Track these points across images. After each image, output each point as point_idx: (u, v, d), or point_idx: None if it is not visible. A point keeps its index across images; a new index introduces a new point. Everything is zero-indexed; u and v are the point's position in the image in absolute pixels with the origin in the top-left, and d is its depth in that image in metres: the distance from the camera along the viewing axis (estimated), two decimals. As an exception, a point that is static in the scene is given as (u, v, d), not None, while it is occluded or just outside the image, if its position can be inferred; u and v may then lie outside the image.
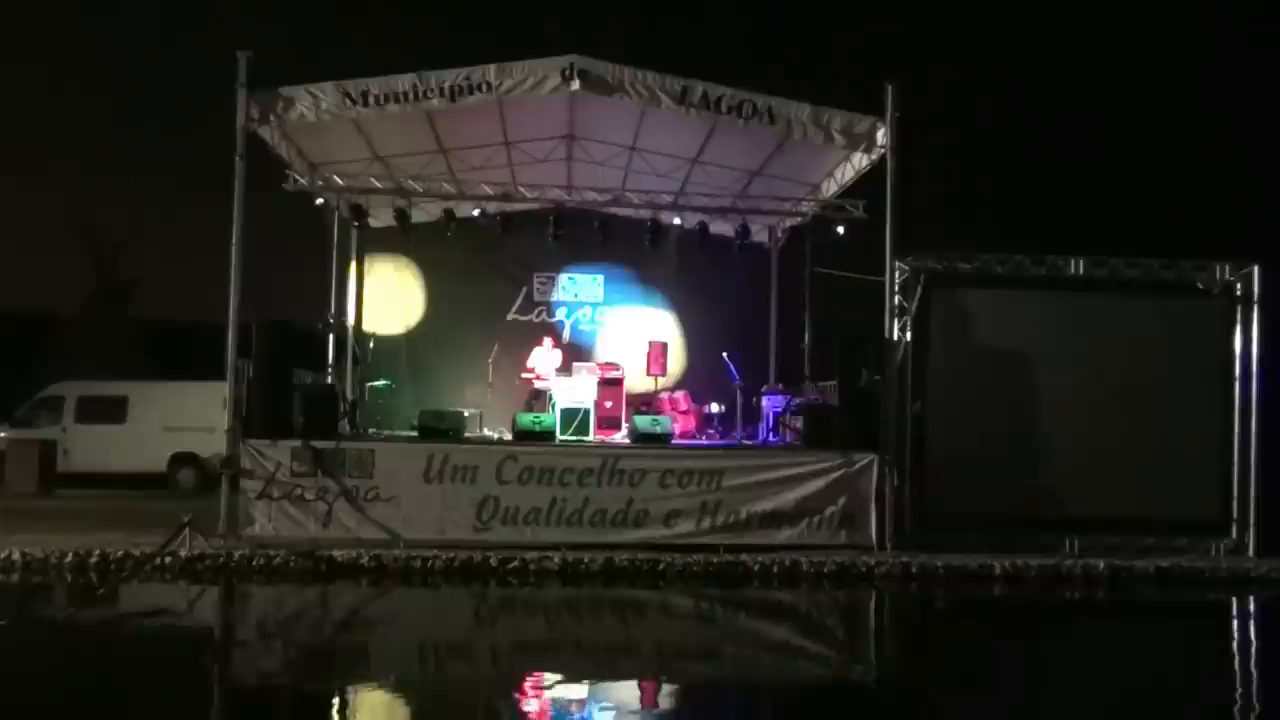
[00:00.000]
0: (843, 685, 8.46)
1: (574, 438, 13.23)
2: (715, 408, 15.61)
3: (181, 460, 17.72)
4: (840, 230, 14.22)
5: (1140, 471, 12.71)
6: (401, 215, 14.54)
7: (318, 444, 11.85)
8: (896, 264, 12.76)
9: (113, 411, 17.82)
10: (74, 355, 20.58)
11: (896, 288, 12.76)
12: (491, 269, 16.92)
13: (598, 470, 12.09)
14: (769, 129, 12.90)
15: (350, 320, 16.21)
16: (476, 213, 14.98)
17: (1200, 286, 13.05)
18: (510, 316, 17.22)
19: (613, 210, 15.17)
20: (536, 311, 17.37)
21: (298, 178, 13.78)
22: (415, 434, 13.01)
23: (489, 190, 14.47)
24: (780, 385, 16.34)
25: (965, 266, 12.92)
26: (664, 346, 16.27)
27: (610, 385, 14.78)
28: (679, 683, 8.31)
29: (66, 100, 44.73)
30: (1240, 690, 8.32)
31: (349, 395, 14.80)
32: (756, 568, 11.55)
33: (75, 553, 11.10)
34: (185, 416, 17.56)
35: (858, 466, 12.27)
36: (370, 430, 14.31)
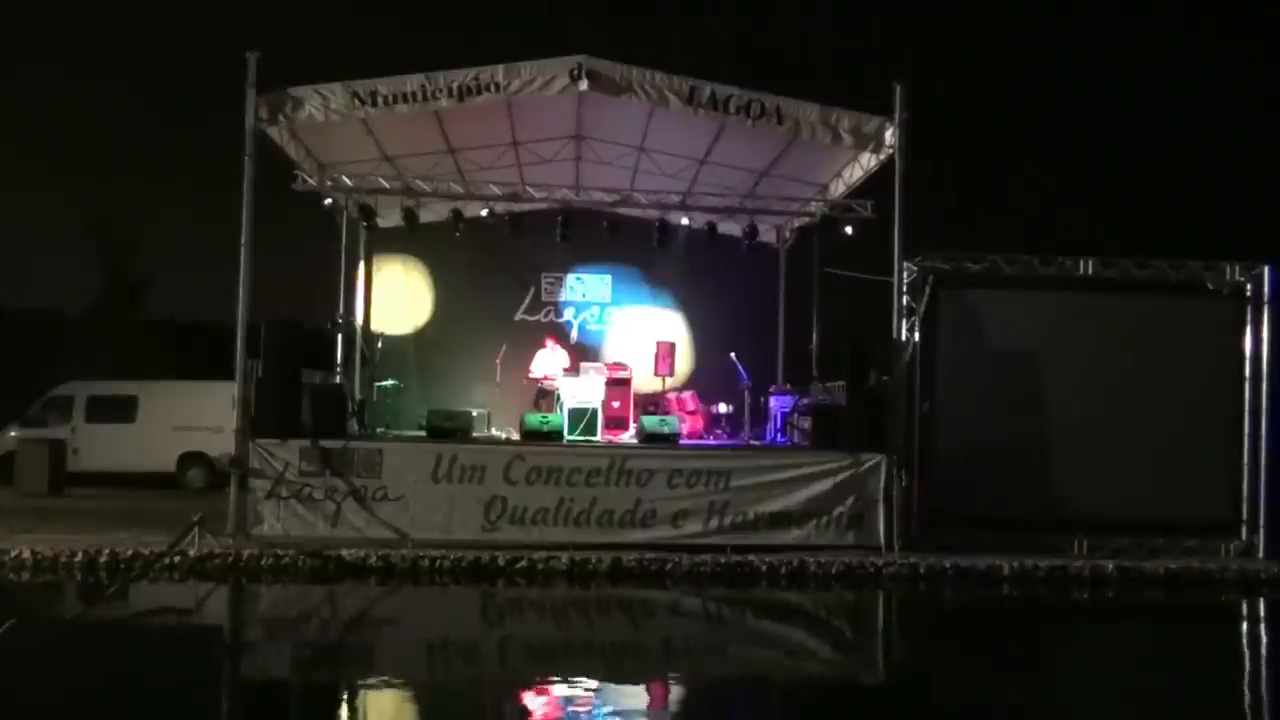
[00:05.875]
0: (850, 686, 8.45)
1: (581, 438, 13.25)
2: (723, 408, 15.60)
3: (191, 459, 17.82)
4: (848, 230, 14.20)
5: (1149, 472, 12.66)
6: (409, 215, 14.55)
7: (326, 443, 11.87)
8: (905, 264, 12.74)
9: (122, 411, 17.91)
10: (84, 355, 20.63)
11: (904, 288, 12.73)
12: (499, 269, 16.89)
13: (605, 470, 12.09)
14: (777, 129, 12.88)
15: (359, 320, 16.23)
16: (484, 213, 15.00)
17: (1210, 287, 13.00)
18: (518, 316, 17.21)
19: (620, 210, 15.17)
20: (544, 311, 17.35)
21: (307, 178, 13.82)
22: (423, 434, 13.03)
23: (497, 190, 14.49)
24: (788, 385, 16.32)
25: (973, 267, 12.89)
26: (671, 346, 16.26)
27: (618, 385, 14.77)
28: (686, 683, 8.30)
29: (78, 100, 44.93)
30: (1249, 693, 8.29)
31: (357, 395, 14.81)
32: (764, 568, 11.54)
33: (85, 552, 11.14)
34: (194, 416, 17.65)
35: (866, 467, 12.24)
36: (378, 430, 14.33)
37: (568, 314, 17.40)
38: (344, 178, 14.50)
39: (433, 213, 15.39)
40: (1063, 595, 11.57)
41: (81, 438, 17.66)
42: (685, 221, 15.39)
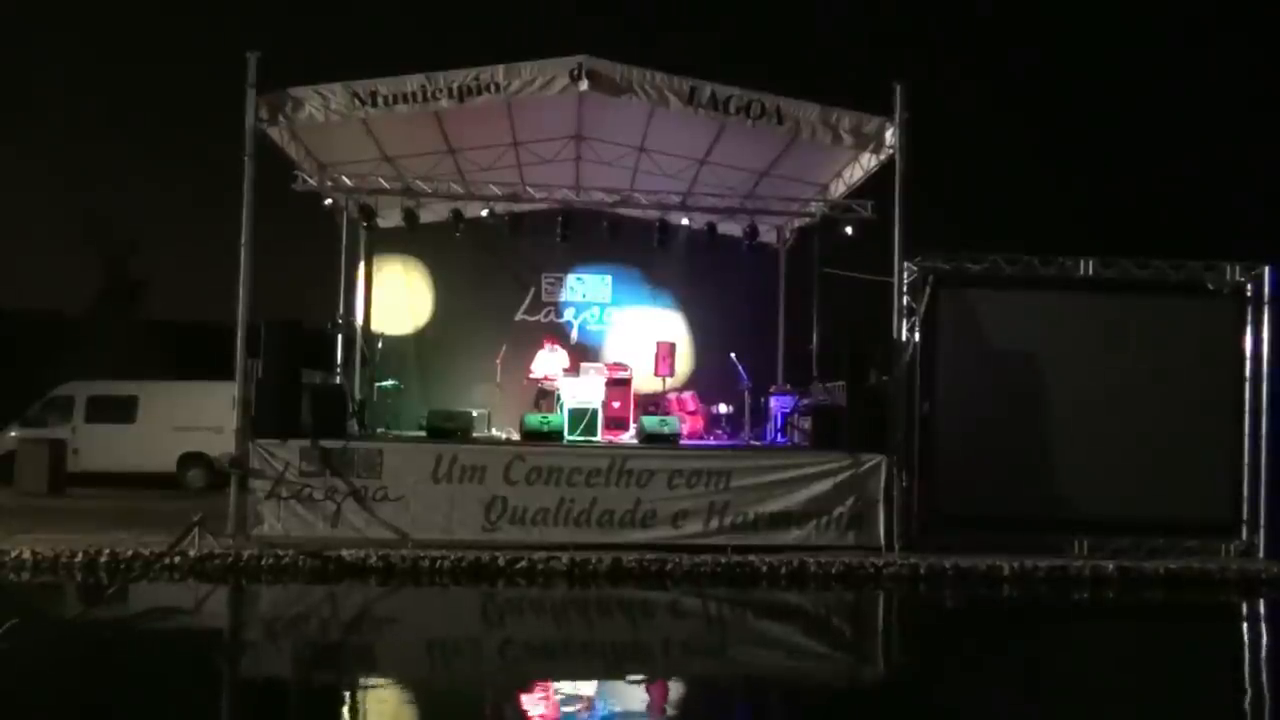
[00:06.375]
0: (850, 687, 8.45)
1: (582, 438, 13.24)
2: (723, 408, 15.60)
3: (191, 460, 17.82)
4: (848, 231, 14.19)
5: (1150, 472, 12.67)
6: (410, 215, 14.55)
7: (326, 444, 11.86)
8: (905, 264, 12.74)
9: (122, 411, 17.92)
10: (84, 355, 20.64)
11: (905, 288, 12.73)
12: (499, 269, 16.88)
13: (605, 470, 12.08)
14: (777, 129, 12.88)
15: (359, 320, 16.24)
16: (484, 213, 15.00)
17: (1210, 287, 13.00)
18: (518, 317, 17.20)
19: (621, 210, 15.16)
20: (544, 312, 17.35)
21: (307, 178, 13.81)
22: (423, 434, 13.03)
23: (497, 190, 14.48)
24: (788, 386, 16.32)
25: (974, 267, 12.89)
26: (671, 347, 16.26)
27: (618, 385, 14.77)
28: (687, 683, 8.31)
29: (78, 100, 44.91)
30: (1249, 693, 8.29)
31: (357, 395, 14.82)
32: (764, 569, 11.54)
33: (85, 552, 11.14)
34: (194, 416, 17.66)
35: (866, 467, 12.24)
36: (379, 430, 14.33)
37: (568, 314, 17.39)
38: (344, 178, 14.49)
39: (433, 213, 15.39)
40: (1063, 595, 11.57)
41: (81, 438, 17.66)
42: (685, 222, 15.38)
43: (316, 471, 11.80)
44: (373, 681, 8.17)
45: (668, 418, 13.49)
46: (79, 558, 11.09)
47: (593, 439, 13.34)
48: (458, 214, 15.03)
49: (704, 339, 17.33)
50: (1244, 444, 12.76)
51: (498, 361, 15.49)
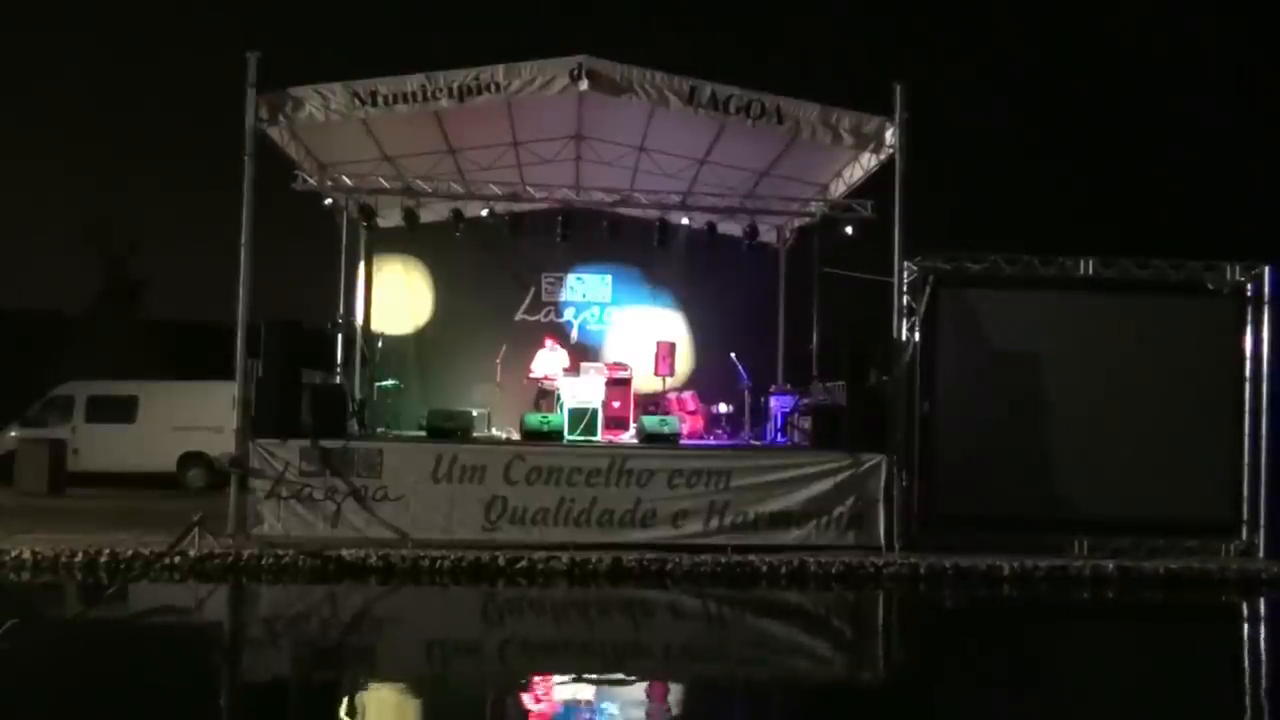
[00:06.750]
0: (850, 686, 8.45)
1: (582, 438, 13.24)
2: (723, 408, 15.60)
3: (191, 460, 17.82)
4: (849, 230, 14.20)
5: (1150, 472, 12.66)
6: (410, 215, 14.55)
7: (326, 443, 11.86)
8: (905, 264, 12.74)
9: (122, 411, 17.93)
10: (84, 355, 20.64)
11: (905, 288, 12.73)
12: (499, 269, 16.88)
13: (605, 470, 12.08)
14: (777, 129, 12.88)
15: (359, 320, 16.24)
16: (485, 213, 15.01)
17: (1210, 287, 13.00)
18: (518, 317, 17.20)
19: (621, 210, 15.16)
20: (544, 312, 17.35)
21: (307, 178, 13.82)
22: (423, 434, 13.03)
23: (497, 190, 14.48)
24: (788, 385, 16.32)
25: (974, 267, 12.89)
26: (671, 346, 16.26)
27: (618, 385, 14.78)
28: (687, 683, 8.31)
29: (78, 100, 44.92)
30: (1249, 693, 8.29)
31: (357, 395, 14.82)
32: (764, 568, 11.54)
33: (85, 552, 11.14)
34: (194, 416, 17.67)
35: (866, 467, 12.24)
36: (379, 430, 14.33)
37: (568, 314, 17.39)
38: (344, 178, 14.49)
39: (433, 213, 15.38)
40: (1063, 595, 11.57)
41: (81, 438, 17.67)
42: (685, 221, 15.38)
43: (316, 471, 11.80)
44: (373, 681, 8.17)
45: (668, 417, 13.49)
46: (79, 558, 11.10)
47: (593, 439, 13.34)
48: (458, 214, 15.03)
49: (704, 339, 17.33)
50: (1244, 444, 12.76)
51: (498, 361, 15.49)
